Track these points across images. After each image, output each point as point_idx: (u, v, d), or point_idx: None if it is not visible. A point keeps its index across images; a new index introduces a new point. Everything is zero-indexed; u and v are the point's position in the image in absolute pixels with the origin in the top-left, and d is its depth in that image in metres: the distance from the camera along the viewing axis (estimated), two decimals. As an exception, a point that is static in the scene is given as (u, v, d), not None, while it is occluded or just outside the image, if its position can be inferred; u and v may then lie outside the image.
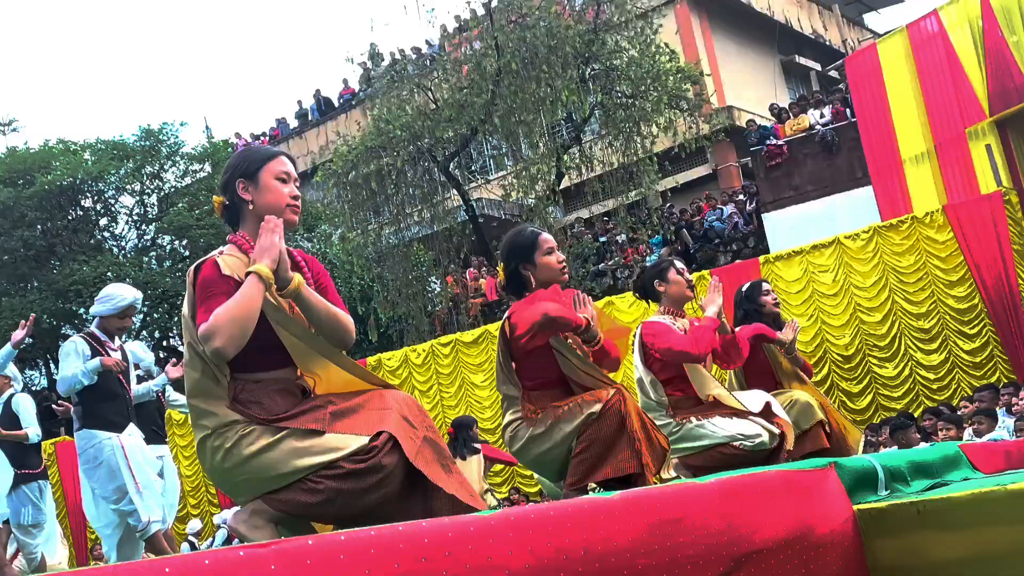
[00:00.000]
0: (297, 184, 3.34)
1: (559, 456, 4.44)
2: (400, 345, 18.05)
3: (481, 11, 20.32)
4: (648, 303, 5.68)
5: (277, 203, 3.25)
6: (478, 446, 9.96)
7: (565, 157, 20.32)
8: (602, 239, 20.20)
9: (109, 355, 6.27)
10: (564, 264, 4.57)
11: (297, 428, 3.01)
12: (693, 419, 5.10)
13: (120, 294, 6.50)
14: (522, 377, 4.53)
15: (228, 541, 13.53)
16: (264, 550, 1.91)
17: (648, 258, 18.02)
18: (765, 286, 6.69)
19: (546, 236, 4.58)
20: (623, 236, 19.79)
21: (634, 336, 5.25)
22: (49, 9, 77.73)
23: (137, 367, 7.64)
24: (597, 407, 4.31)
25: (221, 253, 3.21)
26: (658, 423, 5.09)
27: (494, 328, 14.39)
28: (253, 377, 3.13)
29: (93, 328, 6.50)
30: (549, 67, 18.69)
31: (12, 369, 7.86)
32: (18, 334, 6.42)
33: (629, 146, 19.62)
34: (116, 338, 6.49)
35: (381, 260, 20.77)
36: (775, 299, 6.61)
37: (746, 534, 2.99)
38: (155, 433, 7.42)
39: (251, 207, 3.25)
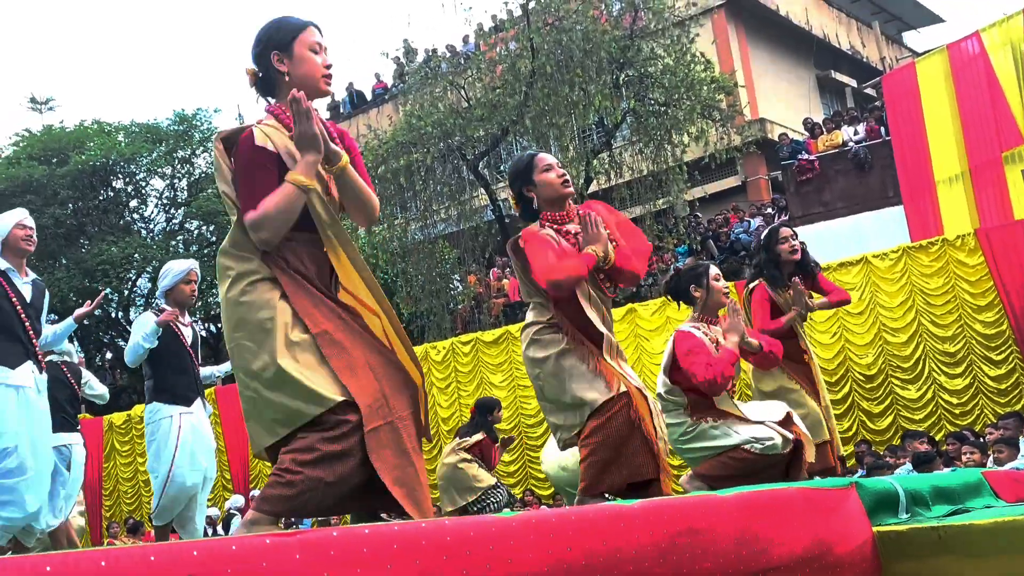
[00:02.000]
0: (328, 54, 3.39)
1: (547, 386, 4.42)
2: (421, 342, 18.08)
3: (518, 12, 20.33)
4: (679, 305, 5.64)
5: (312, 74, 3.32)
6: (493, 433, 9.97)
7: (595, 162, 20.30)
8: (627, 245, 20.12)
9: (181, 329, 6.46)
10: (565, 178, 4.52)
11: (302, 323, 3.09)
12: (710, 419, 5.05)
13: (177, 264, 6.76)
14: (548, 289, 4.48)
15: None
16: (289, 539, 1.92)
17: (672, 267, 17.98)
18: (784, 231, 6.52)
19: (543, 155, 4.58)
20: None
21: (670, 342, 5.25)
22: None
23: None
24: (598, 399, 4.26)
25: (259, 123, 3.30)
26: (673, 422, 5.08)
27: (515, 329, 14.38)
28: (285, 235, 3.19)
29: (163, 306, 6.64)
30: (583, 71, 18.68)
31: (66, 344, 7.93)
32: (83, 310, 6.47)
33: (659, 154, 19.58)
34: (185, 313, 6.65)
35: (406, 255, 20.82)
36: (793, 247, 6.41)
37: (764, 549, 2.98)
38: (65, 421, 7.43)
39: (287, 78, 3.30)
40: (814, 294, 6.60)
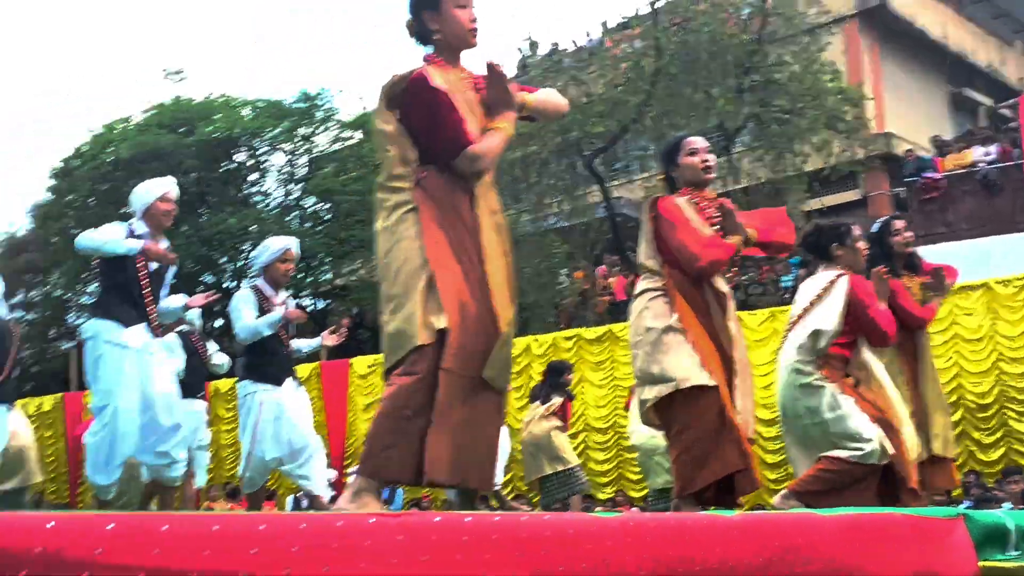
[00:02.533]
0: (474, 7, 3.63)
1: (642, 355, 4.43)
2: (524, 334, 18.13)
3: (646, 10, 20.19)
4: (813, 258, 5.48)
5: (459, 31, 3.57)
6: (568, 394, 10.06)
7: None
8: (738, 252, 19.86)
9: (273, 308, 6.55)
10: (708, 164, 4.64)
11: (431, 255, 3.29)
12: (835, 385, 4.84)
13: (275, 241, 6.87)
14: (664, 253, 4.53)
15: (297, 505, 13.82)
16: (393, 520, 1.94)
17: (783, 278, 17.67)
18: (896, 224, 6.37)
19: (692, 138, 4.73)
20: (760, 252, 19.43)
21: (837, 284, 5.04)
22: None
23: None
24: (684, 382, 4.24)
25: (428, 65, 3.53)
26: (800, 368, 4.90)
27: (618, 329, 14.31)
28: (437, 170, 3.43)
29: (257, 282, 6.76)
30: (708, 73, 18.47)
31: (190, 314, 8.14)
32: (197, 301, 6.58)
33: (779, 162, 19.25)
34: (280, 290, 6.76)
35: (516, 247, 20.83)
36: (906, 239, 6.27)
37: (864, 574, 2.91)
38: (189, 388, 7.69)
39: (437, 36, 3.56)
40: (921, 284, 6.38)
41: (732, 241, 4.46)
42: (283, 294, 6.85)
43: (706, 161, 4.63)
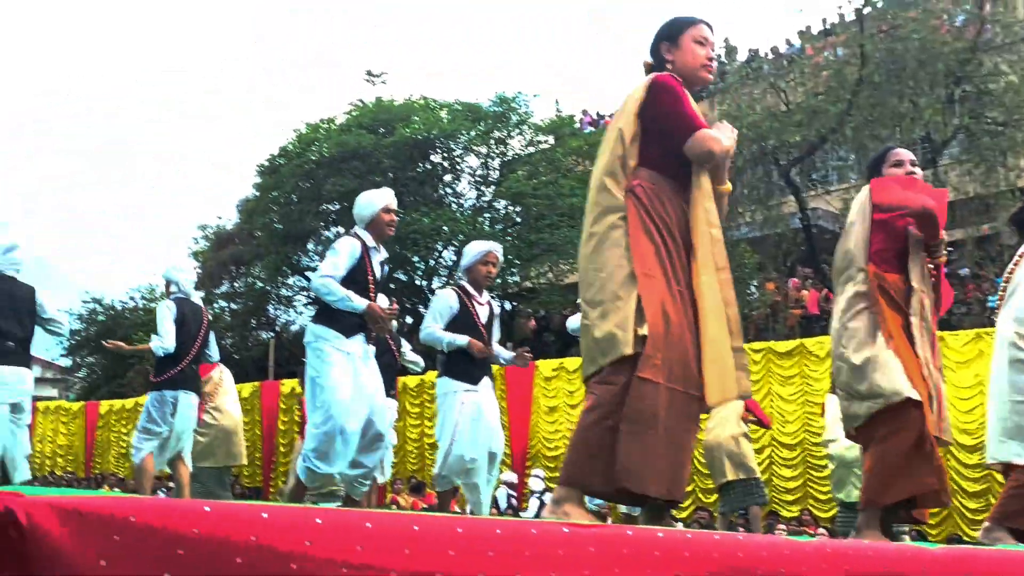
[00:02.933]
0: (713, 49, 3.72)
1: (846, 368, 4.29)
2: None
3: (851, 16, 19.58)
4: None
5: (692, 63, 3.64)
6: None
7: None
8: (942, 270, 19.03)
9: (476, 308, 6.74)
10: (914, 176, 4.56)
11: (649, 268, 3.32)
12: None
13: (478, 245, 7.04)
14: (872, 242, 4.41)
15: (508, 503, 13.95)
16: (586, 531, 1.94)
17: (990, 298, 16.82)
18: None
19: (899, 150, 4.69)
20: (966, 270, 18.57)
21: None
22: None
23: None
24: (894, 396, 4.08)
25: (672, 74, 3.63)
26: (1018, 341, 4.61)
27: (811, 343, 13.94)
28: (655, 177, 3.49)
29: (463, 282, 6.97)
30: (915, 82, 17.75)
31: None
32: (382, 310, 6.66)
33: (990, 176, 18.31)
34: (483, 291, 6.95)
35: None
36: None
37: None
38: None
39: (670, 66, 3.64)
40: None
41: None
42: (486, 294, 7.02)
43: (912, 174, 4.53)
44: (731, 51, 23.48)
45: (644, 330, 3.22)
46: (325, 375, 5.60)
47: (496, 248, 7.01)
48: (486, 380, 6.83)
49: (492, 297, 7.21)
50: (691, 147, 3.45)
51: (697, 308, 3.36)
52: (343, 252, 5.75)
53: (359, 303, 5.64)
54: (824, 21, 22.57)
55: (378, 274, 5.94)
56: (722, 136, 3.50)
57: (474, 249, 6.99)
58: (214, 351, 8.37)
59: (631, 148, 3.48)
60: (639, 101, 3.54)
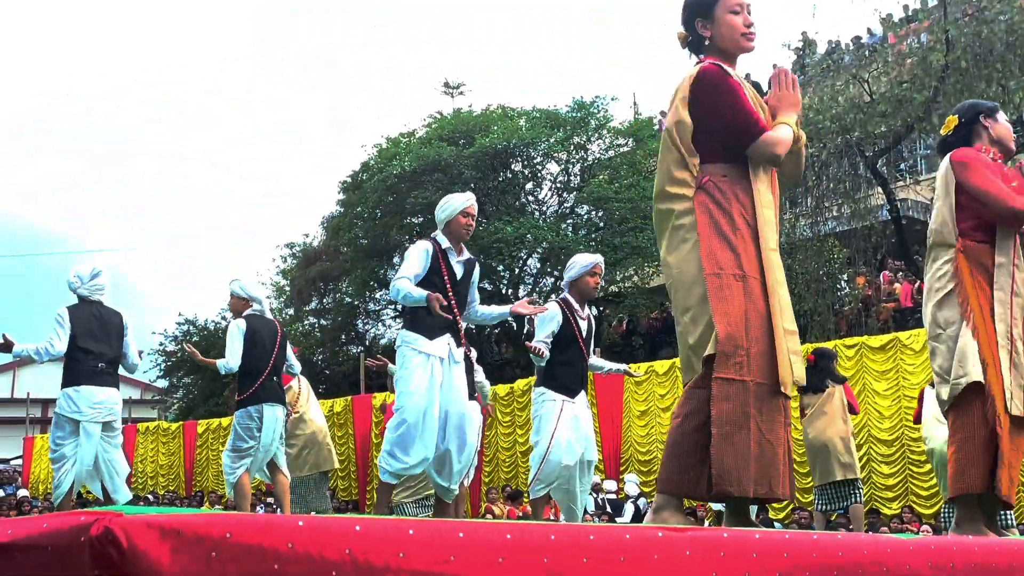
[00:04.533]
0: (750, 12, 3.62)
1: (939, 350, 4.13)
2: (802, 341, 17.60)
3: (933, 1, 19.15)
4: None
5: (732, 34, 3.56)
6: (840, 376, 9.71)
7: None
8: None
9: (578, 322, 6.84)
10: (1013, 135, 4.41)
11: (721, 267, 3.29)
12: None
13: (583, 258, 7.13)
14: (959, 218, 4.22)
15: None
16: (681, 535, 1.92)
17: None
18: None
19: (1001, 114, 4.57)
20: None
21: None
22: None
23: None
24: (964, 379, 3.93)
25: (716, 63, 3.55)
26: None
27: (904, 336, 13.63)
28: (719, 169, 3.44)
29: (566, 295, 7.04)
30: (1004, 66, 17.27)
31: None
32: (523, 306, 6.75)
33: (1085, 158, 17.76)
34: (586, 305, 7.01)
35: (792, 252, 20.28)
36: None
37: None
38: None
39: (708, 42, 3.59)
40: None
41: None
42: (587, 308, 7.08)
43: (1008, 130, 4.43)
44: (809, 44, 23.11)
45: (721, 331, 3.19)
46: (404, 379, 5.70)
47: (600, 260, 7.08)
48: (583, 394, 6.92)
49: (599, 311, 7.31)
50: (755, 152, 3.40)
51: (767, 294, 3.31)
52: (413, 255, 5.88)
53: (419, 293, 5.69)
54: (906, 8, 22.12)
55: (458, 274, 5.99)
56: (783, 133, 3.44)
57: (580, 262, 7.05)
58: (294, 364, 8.61)
59: (688, 146, 3.42)
60: (687, 97, 3.47)
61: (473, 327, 9.11)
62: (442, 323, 5.78)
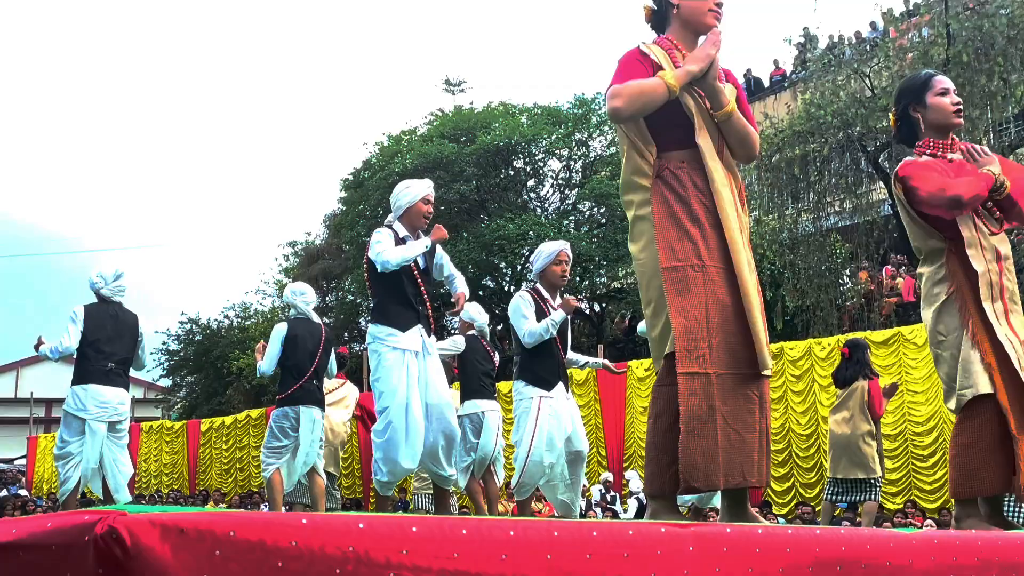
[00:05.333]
0: None
1: (943, 357, 4.04)
2: (805, 336, 17.58)
3: (934, -4, 19.14)
4: None
5: (699, 7, 3.53)
6: (871, 371, 9.60)
7: (1010, 157, 18.75)
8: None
9: (550, 312, 6.72)
10: (959, 107, 4.15)
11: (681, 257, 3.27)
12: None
13: (548, 246, 7.03)
14: (939, 227, 4.06)
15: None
16: (684, 530, 1.92)
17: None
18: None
19: (942, 77, 4.24)
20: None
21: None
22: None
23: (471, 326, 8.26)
24: (968, 391, 3.87)
25: (639, 46, 3.55)
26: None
27: (907, 331, 13.62)
28: (677, 156, 3.43)
29: (536, 285, 6.97)
30: (1005, 60, 17.25)
31: (479, 317, 8.53)
32: (571, 302, 6.92)
33: (1089, 155, 17.77)
34: (557, 295, 6.92)
35: (795, 247, 20.27)
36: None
37: None
38: (483, 388, 8.43)
39: (676, 11, 3.56)
40: None
41: (985, 171, 3.97)
42: (558, 299, 6.98)
43: (957, 104, 4.17)
44: (811, 39, 23.06)
45: (678, 326, 3.18)
46: (383, 380, 5.63)
47: (566, 246, 6.97)
48: (560, 385, 6.79)
49: (582, 299, 7.22)
50: (608, 112, 3.40)
51: (738, 281, 3.29)
52: (382, 236, 5.81)
53: (418, 245, 5.69)
54: (906, 2, 22.08)
55: (422, 264, 5.92)
56: (625, 87, 3.33)
57: (545, 251, 6.94)
58: (332, 367, 8.70)
59: (643, 135, 3.42)
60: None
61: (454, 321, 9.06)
62: (415, 313, 5.73)
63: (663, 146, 3.42)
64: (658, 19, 3.63)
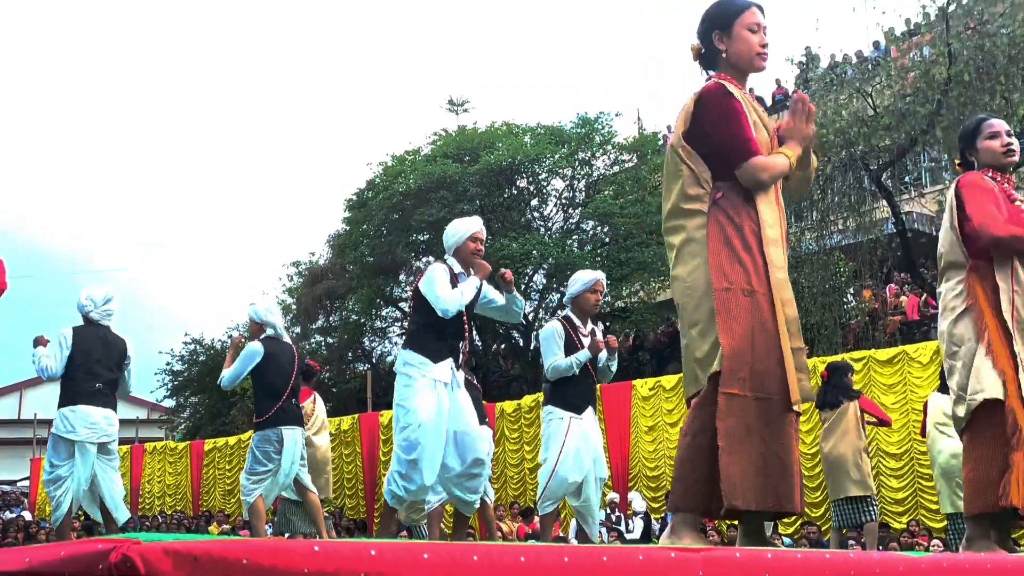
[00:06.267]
0: (766, 33, 3.65)
1: (956, 366, 4.06)
2: (809, 355, 17.57)
3: (935, 15, 19.16)
4: None
5: (747, 52, 3.60)
6: (854, 392, 9.61)
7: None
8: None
9: (581, 339, 6.83)
10: (1010, 146, 4.32)
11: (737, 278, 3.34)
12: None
13: (585, 274, 7.15)
14: (967, 240, 4.16)
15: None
16: (693, 555, 1.92)
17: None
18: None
19: (994, 121, 4.43)
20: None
21: None
22: (497, 9, 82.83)
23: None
24: (978, 395, 3.88)
25: (721, 82, 3.59)
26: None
27: (911, 349, 13.63)
28: (729, 185, 3.48)
29: (568, 312, 7.03)
30: (1007, 79, 17.28)
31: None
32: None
33: (1093, 174, 17.73)
34: (588, 322, 6.99)
35: (798, 266, 20.26)
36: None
37: None
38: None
39: (724, 55, 3.62)
40: None
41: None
42: (590, 324, 7.05)
43: (1008, 144, 4.34)
44: (813, 59, 23.14)
45: (727, 347, 3.20)
46: (409, 399, 5.64)
47: (602, 277, 7.08)
48: (590, 409, 6.91)
49: (599, 326, 7.25)
50: (742, 174, 3.44)
51: (775, 312, 3.34)
52: (440, 275, 5.82)
53: (469, 288, 5.80)
54: (908, 22, 22.14)
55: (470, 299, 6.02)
56: (776, 161, 3.47)
57: (582, 278, 7.05)
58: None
59: (698, 164, 3.47)
60: (688, 119, 3.52)
61: (478, 342, 9.06)
62: (449, 346, 5.78)
63: (719, 175, 3.48)
64: (706, 59, 3.69)
